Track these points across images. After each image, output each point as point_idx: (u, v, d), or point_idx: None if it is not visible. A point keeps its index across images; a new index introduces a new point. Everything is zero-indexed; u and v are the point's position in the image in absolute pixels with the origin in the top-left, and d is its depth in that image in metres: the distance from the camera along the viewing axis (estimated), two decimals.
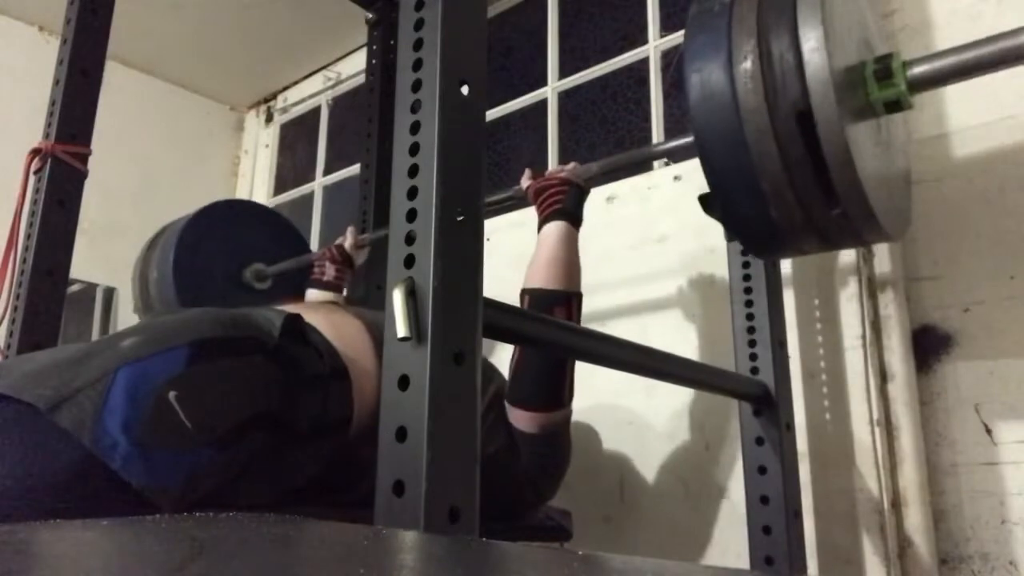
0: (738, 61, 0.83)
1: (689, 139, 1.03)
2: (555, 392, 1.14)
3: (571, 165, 1.31)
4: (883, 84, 0.86)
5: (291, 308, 0.97)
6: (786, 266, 1.46)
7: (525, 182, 1.33)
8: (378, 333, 1.01)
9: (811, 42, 0.79)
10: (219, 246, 1.89)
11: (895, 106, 0.88)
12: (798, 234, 0.90)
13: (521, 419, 1.13)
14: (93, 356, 0.77)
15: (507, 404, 1.14)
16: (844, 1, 0.89)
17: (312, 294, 1.64)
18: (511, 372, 1.15)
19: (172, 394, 0.75)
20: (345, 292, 1.70)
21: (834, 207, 0.83)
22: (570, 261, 1.19)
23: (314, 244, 2.91)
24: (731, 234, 0.99)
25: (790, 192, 0.84)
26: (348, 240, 1.69)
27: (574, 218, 1.24)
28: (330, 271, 1.65)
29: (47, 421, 0.71)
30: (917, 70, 0.86)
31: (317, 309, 1.06)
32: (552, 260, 1.17)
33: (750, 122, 0.82)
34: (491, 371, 1.25)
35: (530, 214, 2.03)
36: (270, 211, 2.18)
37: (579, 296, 1.19)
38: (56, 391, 0.72)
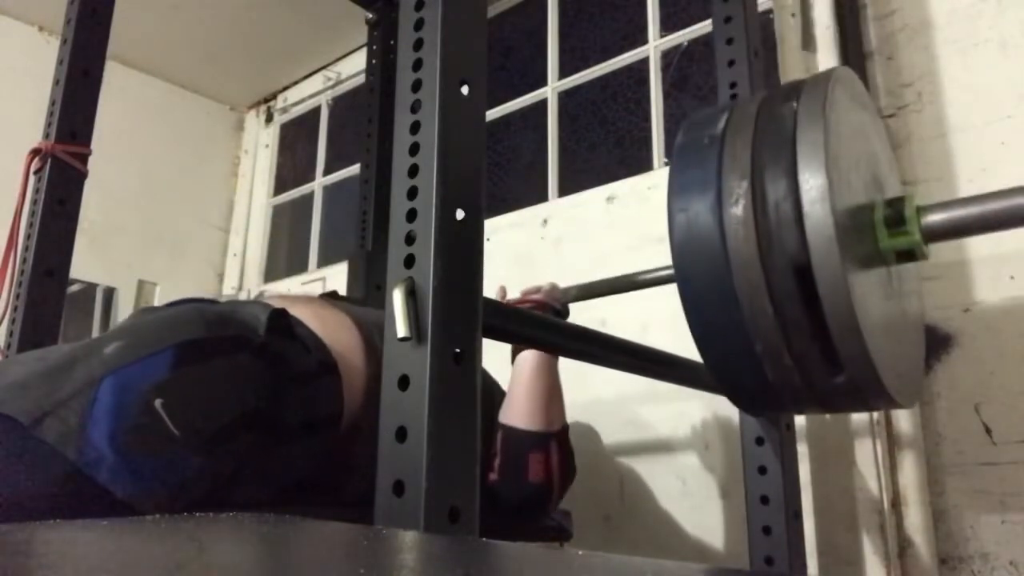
0: (728, 204, 0.74)
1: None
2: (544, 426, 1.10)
3: (548, 285, 1.25)
4: (894, 232, 0.77)
5: (278, 302, 0.95)
6: None
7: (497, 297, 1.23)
8: (367, 330, 1.00)
9: (812, 191, 0.69)
10: None
11: (908, 256, 0.79)
12: (797, 398, 0.80)
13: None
14: (76, 364, 0.75)
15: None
16: (852, 135, 0.80)
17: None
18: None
19: (158, 401, 0.74)
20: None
21: (837, 374, 0.74)
22: (549, 394, 1.10)
23: (314, 244, 2.91)
24: (725, 395, 0.87)
25: (787, 355, 0.74)
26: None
27: None
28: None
29: (31, 435, 0.69)
30: (933, 218, 0.76)
31: (305, 303, 1.03)
32: (530, 394, 1.09)
33: (741, 275, 0.73)
34: (488, 378, 1.24)
35: (530, 214, 2.04)
36: None
37: (560, 433, 1.12)
38: (38, 404, 0.71)
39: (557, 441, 1.10)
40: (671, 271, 0.79)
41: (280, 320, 0.89)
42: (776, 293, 0.72)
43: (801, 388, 0.77)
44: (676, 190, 0.79)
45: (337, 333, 0.97)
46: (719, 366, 0.80)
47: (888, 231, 0.77)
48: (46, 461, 0.69)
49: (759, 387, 0.79)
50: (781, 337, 0.73)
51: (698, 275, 0.76)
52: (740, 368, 0.78)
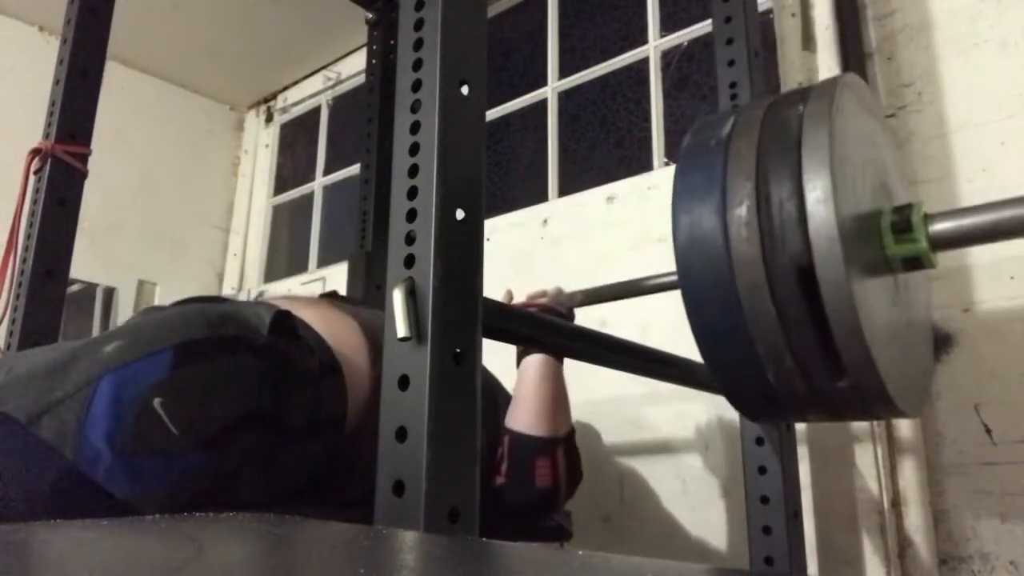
0: (733, 206, 0.73)
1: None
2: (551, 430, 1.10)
3: (553, 289, 1.25)
4: (901, 239, 0.76)
5: (283, 303, 0.95)
6: None
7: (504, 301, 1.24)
8: (371, 331, 1.00)
9: (816, 192, 0.69)
10: None
11: (914, 264, 0.78)
12: (799, 403, 0.79)
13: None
14: (75, 362, 0.75)
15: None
16: (859, 141, 0.79)
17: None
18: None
19: (157, 400, 0.74)
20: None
21: (840, 378, 0.73)
22: (555, 398, 1.10)
23: (314, 244, 2.91)
24: (726, 397, 0.87)
25: (789, 358, 0.73)
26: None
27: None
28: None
29: (29, 433, 0.69)
30: (941, 226, 0.75)
31: (310, 305, 1.03)
32: (535, 398, 1.09)
33: (743, 275, 0.72)
34: (493, 381, 1.24)
35: (530, 215, 2.04)
36: None
37: (567, 437, 1.12)
38: (36, 402, 0.71)
39: (564, 446, 1.10)
40: (676, 277, 0.78)
41: (284, 321, 0.89)
42: (778, 294, 0.71)
43: (803, 392, 0.76)
44: (680, 192, 0.78)
45: (341, 335, 0.97)
46: (720, 368, 0.79)
47: (895, 237, 0.77)
48: (44, 459, 0.69)
49: (760, 390, 0.77)
50: (783, 338, 0.72)
51: (701, 276, 0.75)
52: (742, 371, 0.77)
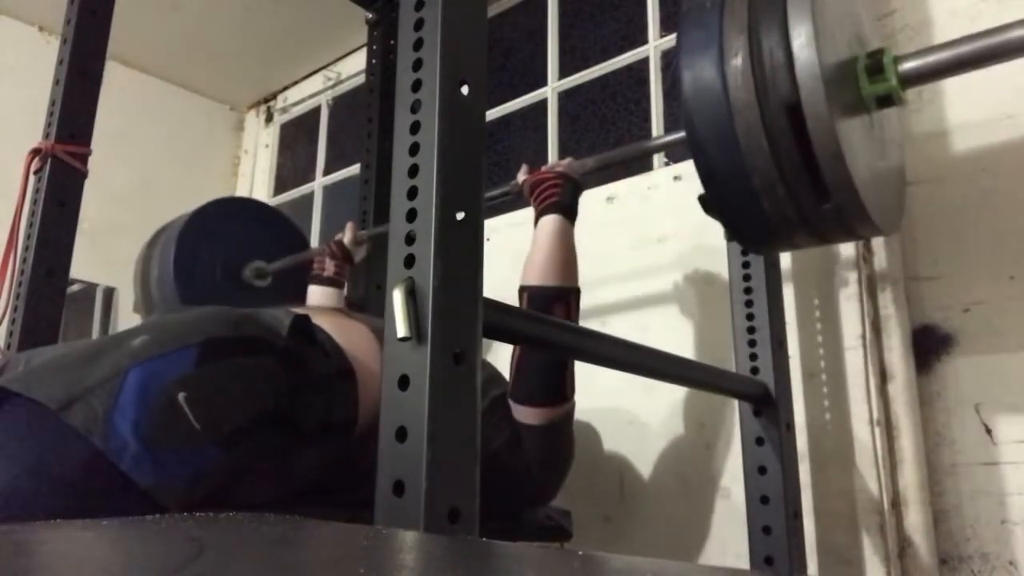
0: (729, 57, 0.83)
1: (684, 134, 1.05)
2: (557, 387, 1.15)
3: (567, 160, 1.31)
4: (874, 79, 0.86)
5: (300, 310, 0.98)
6: (786, 265, 1.46)
7: (521, 177, 1.34)
8: (383, 337, 1.03)
9: (801, 37, 0.79)
10: (219, 244, 1.89)
11: (887, 101, 0.88)
12: (790, 228, 0.90)
13: (525, 414, 1.14)
14: (103, 354, 0.77)
15: (511, 402, 1.15)
16: None
17: (313, 290, 1.63)
18: (513, 370, 1.15)
19: (182, 395, 0.76)
20: (345, 289, 1.70)
21: (825, 202, 0.84)
22: (567, 256, 1.19)
23: (314, 244, 2.91)
24: (725, 229, 0.99)
25: (781, 186, 0.84)
26: (347, 236, 1.68)
27: (569, 211, 1.24)
28: (330, 267, 1.64)
29: (57, 420, 0.71)
30: (908, 65, 0.85)
31: (325, 313, 1.07)
32: (549, 256, 1.17)
33: (740, 117, 0.82)
34: (494, 373, 1.25)
35: (530, 215, 2.04)
36: (268, 208, 2.18)
37: (577, 292, 1.19)
38: (66, 390, 0.73)
39: (575, 296, 1.18)
40: (681, 135, 0.89)
41: (302, 325, 0.91)
42: (771, 131, 0.81)
43: (793, 217, 0.87)
44: (683, 50, 0.87)
45: (355, 340, 1.00)
46: (722, 202, 0.90)
47: (869, 79, 0.86)
48: (72, 446, 0.71)
49: (757, 218, 0.88)
50: (775, 170, 0.83)
51: (703, 122, 0.85)
52: (740, 202, 0.87)
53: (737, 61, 0.82)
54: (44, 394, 0.72)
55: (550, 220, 1.21)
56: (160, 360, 0.77)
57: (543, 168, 1.32)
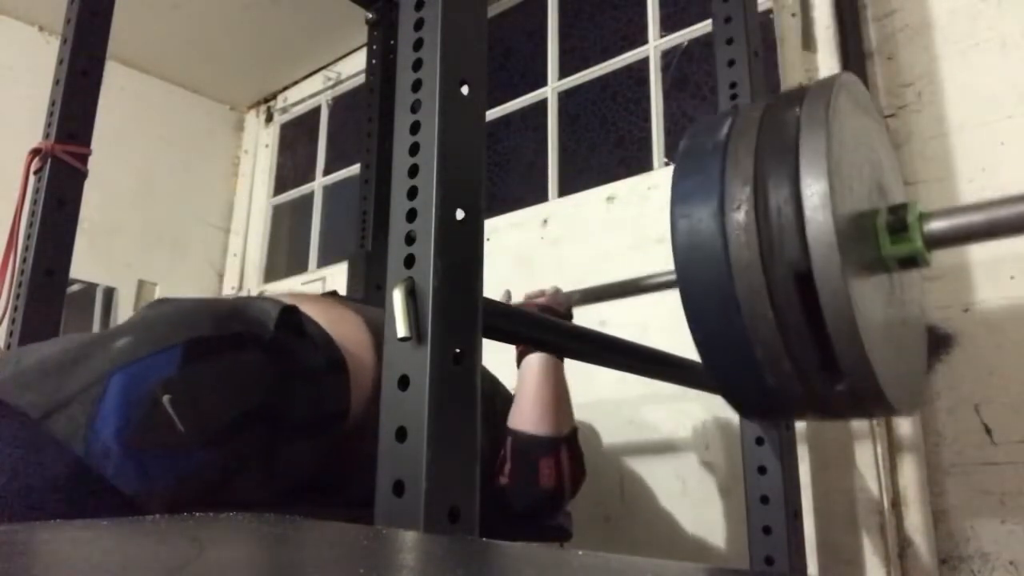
0: (731, 210, 0.74)
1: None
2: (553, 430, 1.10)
3: (551, 288, 1.25)
4: (896, 239, 0.77)
5: (289, 300, 0.95)
6: None
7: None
8: (376, 328, 0.99)
9: (814, 198, 0.69)
10: None
11: (910, 262, 0.79)
12: (798, 406, 0.81)
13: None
14: (86, 358, 0.76)
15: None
16: (855, 142, 0.79)
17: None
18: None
19: (166, 398, 0.74)
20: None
21: (838, 382, 0.74)
22: (557, 398, 1.10)
23: (314, 244, 2.91)
24: (724, 399, 0.87)
25: (787, 362, 0.74)
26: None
27: None
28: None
29: (40, 428, 0.70)
30: (936, 225, 0.76)
31: (315, 301, 1.03)
32: (537, 399, 1.09)
33: (742, 280, 0.73)
34: (493, 381, 1.24)
35: (530, 215, 2.04)
36: None
37: (569, 437, 1.12)
38: (48, 398, 0.72)
39: (567, 445, 1.10)
40: (674, 275, 0.79)
41: (290, 317, 0.89)
42: (777, 299, 0.72)
43: (801, 395, 0.77)
44: (679, 196, 0.78)
45: (347, 331, 0.97)
46: (720, 371, 0.80)
47: (890, 238, 0.77)
48: (54, 455, 0.70)
49: (759, 393, 0.78)
50: (781, 343, 0.73)
51: (700, 280, 0.75)
52: (740, 374, 0.77)
53: (740, 216, 0.73)
54: (26, 402, 0.71)
55: (536, 360, 1.12)
56: (143, 362, 0.76)
57: (525, 296, 1.23)
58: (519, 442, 1.08)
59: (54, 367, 0.75)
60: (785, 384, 0.76)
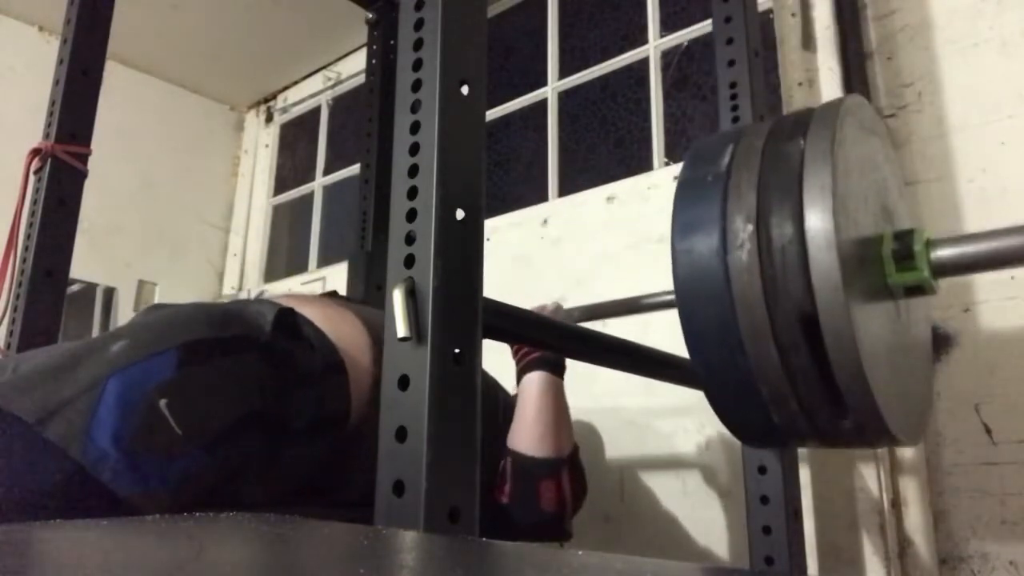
0: (733, 247, 0.72)
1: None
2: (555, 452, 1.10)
3: (551, 306, 1.24)
4: (903, 266, 0.76)
5: (286, 301, 0.95)
6: None
7: None
8: (375, 328, 0.99)
9: (819, 238, 0.68)
10: None
11: (916, 291, 0.78)
12: (803, 439, 0.81)
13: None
14: (82, 363, 0.76)
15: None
16: (861, 169, 0.78)
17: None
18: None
19: (163, 402, 0.74)
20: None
21: (843, 418, 0.74)
22: (557, 417, 1.09)
23: (314, 244, 2.91)
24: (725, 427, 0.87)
25: (794, 401, 0.74)
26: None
27: (556, 366, 1.12)
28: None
29: (36, 433, 0.70)
30: (942, 253, 0.75)
31: (313, 302, 1.03)
32: (538, 417, 1.07)
33: (746, 320, 0.72)
34: (491, 380, 1.24)
35: (530, 214, 2.04)
36: None
37: (571, 457, 1.11)
38: (44, 403, 0.71)
39: (568, 466, 1.09)
40: (673, 295, 0.78)
41: (286, 319, 0.89)
42: (781, 340, 0.71)
43: (806, 430, 0.77)
44: (680, 228, 0.77)
45: (345, 331, 0.96)
46: (723, 404, 0.80)
47: (896, 266, 0.76)
48: (51, 460, 0.70)
49: (763, 427, 0.78)
50: (787, 384, 0.73)
51: (702, 316, 0.75)
52: (745, 410, 0.77)
53: (742, 254, 0.72)
54: (23, 407, 0.71)
55: (536, 378, 1.10)
56: (139, 366, 0.76)
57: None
58: (519, 463, 1.06)
59: (50, 372, 0.75)
60: (791, 421, 0.76)
